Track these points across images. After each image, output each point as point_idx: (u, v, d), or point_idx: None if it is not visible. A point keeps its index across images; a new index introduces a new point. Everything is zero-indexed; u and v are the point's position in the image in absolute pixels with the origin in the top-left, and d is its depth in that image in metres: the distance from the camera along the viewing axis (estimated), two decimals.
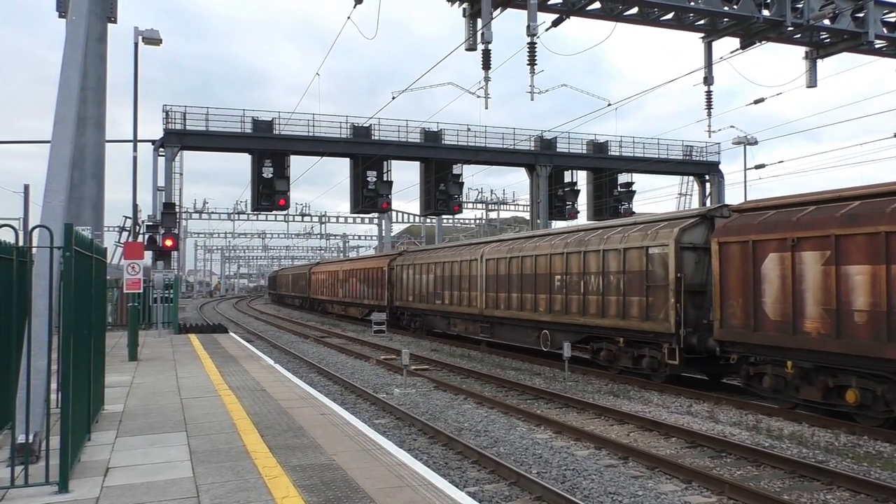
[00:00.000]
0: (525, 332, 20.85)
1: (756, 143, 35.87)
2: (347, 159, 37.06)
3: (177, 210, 31.57)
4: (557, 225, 38.25)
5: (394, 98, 24.15)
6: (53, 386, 7.14)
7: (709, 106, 18.75)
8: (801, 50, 18.99)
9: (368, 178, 36.07)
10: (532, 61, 15.20)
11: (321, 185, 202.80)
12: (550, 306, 19.22)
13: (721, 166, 42.94)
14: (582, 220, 40.88)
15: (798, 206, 12.46)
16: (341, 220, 72.90)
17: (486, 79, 15.79)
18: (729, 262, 13.23)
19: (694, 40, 18.61)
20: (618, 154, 41.39)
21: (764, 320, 12.45)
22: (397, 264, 32.74)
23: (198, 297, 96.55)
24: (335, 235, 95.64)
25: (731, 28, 17.41)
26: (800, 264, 11.86)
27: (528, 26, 14.81)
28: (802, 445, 10.20)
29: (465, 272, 24.71)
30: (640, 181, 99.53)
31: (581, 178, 42.26)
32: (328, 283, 47.48)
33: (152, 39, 22.87)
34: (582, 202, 42.01)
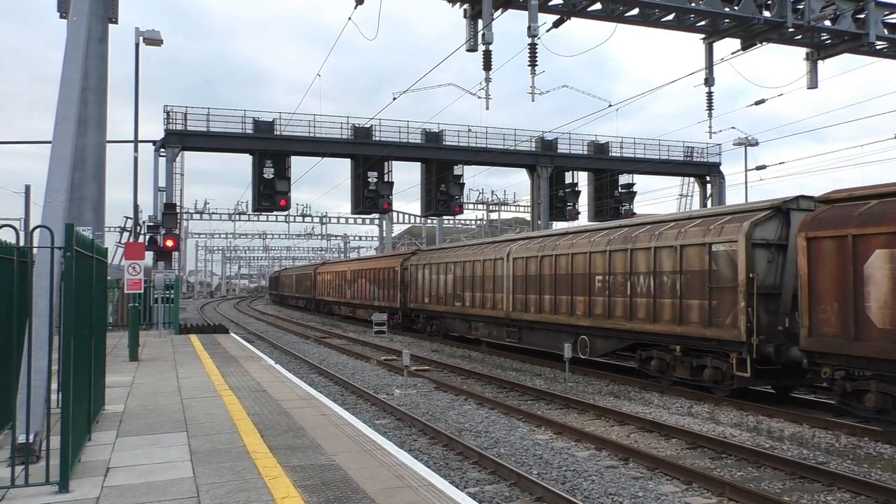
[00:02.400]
0: (559, 338, 18.84)
1: (756, 144, 35.91)
2: (348, 160, 37.06)
3: (178, 210, 31.60)
4: (558, 226, 38.21)
5: (394, 99, 24.19)
6: (54, 386, 7.14)
7: (710, 107, 18.80)
8: (802, 51, 19.02)
9: (369, 179, 36.07)
10: (533, 62, 15.23)
11: (322, 185, 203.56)
12: (590, 310, 17.46)
13: (722, 167, 43.02)
14: (583, 221, 40.90)
15: None
16: (342, 220, 72.98)
17: (487, 79, 15.84)
18: (821, 260, 11.50)
19: (696, 41, 18.62)
20: (619, 155, 41.41)
21: (868, 328, 10.71)
22: (411, 264, 30.90)
23: (198, 297, 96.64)
24: (336, 236, 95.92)
25: (732, 29, 17.45)
26: None
27: (529, 27, 14.85)
28: (803, 447, 10.19)
29: (489, 272, 22.91)
30: (641, 182, 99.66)
31: (582, 179, 42.34)
32: (335, 283, 46.10)
33: (153, 40, 22.92)
34: (583, 203, 42.09)
